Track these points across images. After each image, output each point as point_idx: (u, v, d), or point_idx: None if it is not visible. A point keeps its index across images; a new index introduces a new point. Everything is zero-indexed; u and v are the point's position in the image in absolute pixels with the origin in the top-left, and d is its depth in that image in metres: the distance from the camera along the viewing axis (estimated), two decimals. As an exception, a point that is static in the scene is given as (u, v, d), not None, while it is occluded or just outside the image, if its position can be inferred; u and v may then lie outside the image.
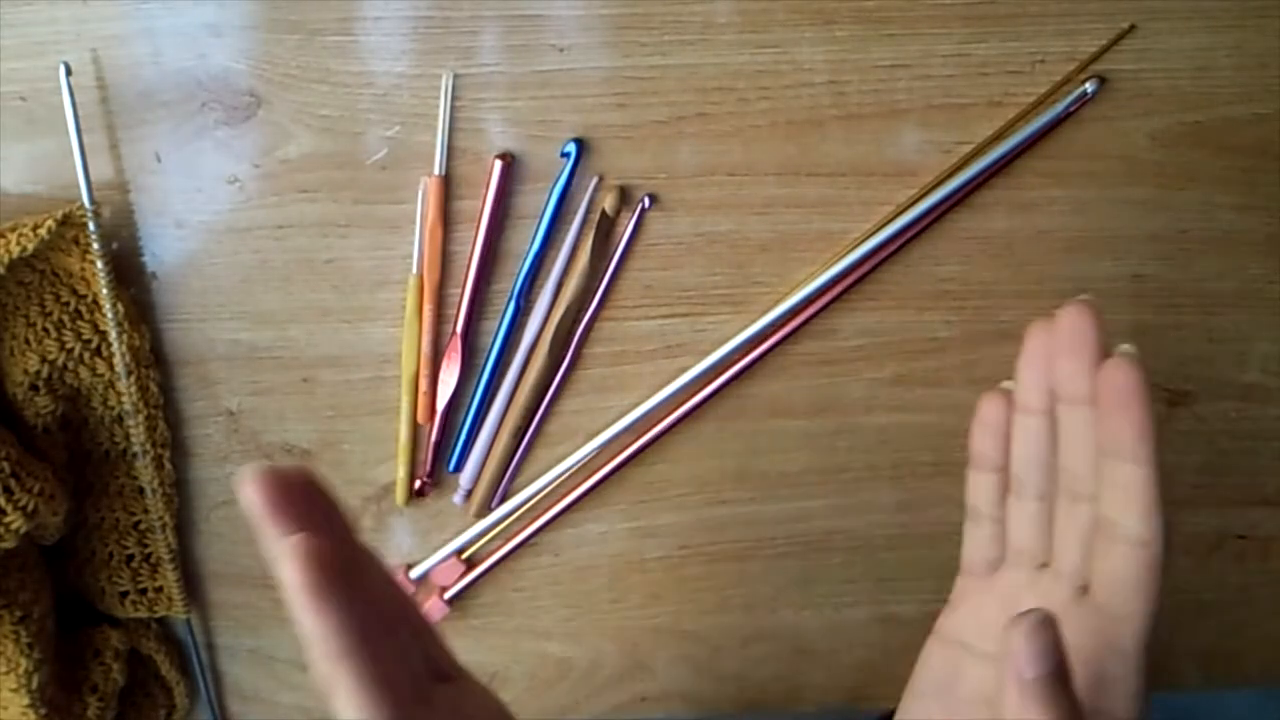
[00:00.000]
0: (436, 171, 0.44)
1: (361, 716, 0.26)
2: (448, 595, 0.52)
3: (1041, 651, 0.28)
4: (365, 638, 0.26)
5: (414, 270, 0.45)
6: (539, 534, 0.51)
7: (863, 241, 0.46)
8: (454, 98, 0.43)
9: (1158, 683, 0.62)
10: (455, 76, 0.43)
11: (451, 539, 0.51)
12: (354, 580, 0.27)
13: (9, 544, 0.42)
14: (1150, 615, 0.32)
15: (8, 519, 0.41)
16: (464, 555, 0.51)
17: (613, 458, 0.50)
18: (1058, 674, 0.28)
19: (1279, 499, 0.53)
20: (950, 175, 0.45)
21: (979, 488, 0.37)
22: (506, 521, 0.50)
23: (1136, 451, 0.31)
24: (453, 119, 0.43)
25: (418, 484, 0.50)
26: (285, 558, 0.26)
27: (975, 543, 0.38)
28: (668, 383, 0.48)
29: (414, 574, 0.51)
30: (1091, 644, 0.32)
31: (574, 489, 0.50)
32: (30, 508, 0.42)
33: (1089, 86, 0.43)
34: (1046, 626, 0.28)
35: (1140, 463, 0.31)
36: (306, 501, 0.27)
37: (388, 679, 0.27)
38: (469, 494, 0.50)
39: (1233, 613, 0.56)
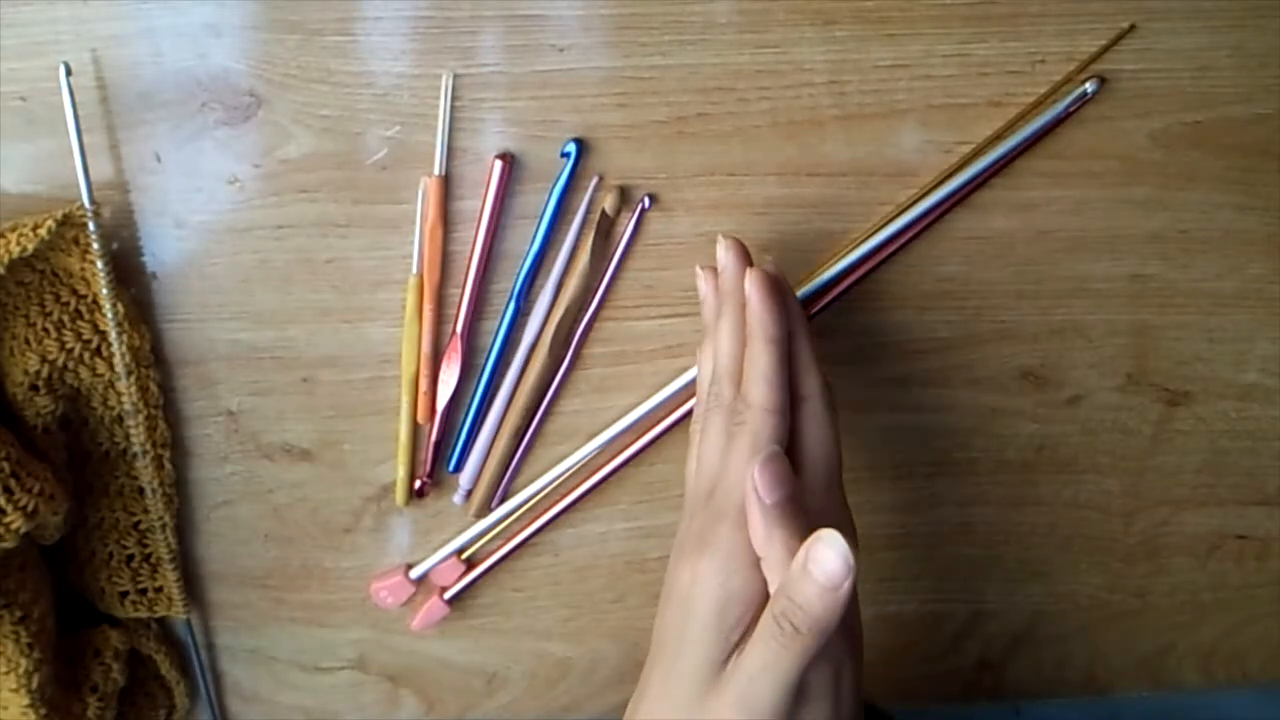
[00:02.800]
0: (436, 171, 0.44)
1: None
2: (448, 595, 0.52)
3: (775, 481, 0.35)
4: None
5: (414, 270, 0.45)
6: (539, 534, 0.51)
7: (863, 241, 0.46)
8: (454, 98, 0.43)
9: (1158, 683, 0.62)
10: (455, 76, 0.43)
11: (451, 539, 0.51)
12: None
13: (9, 544, 0.42)
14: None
15: (8, 519, 0.41)
16: (464, 555, 0.51)
17: (613, 458, 0.50)
18: (792, 499, 0.35)
19: (1279, 499, 0.53)
20: (950, 175, 0.45)
21: None
22: (506, 521, 0.50)
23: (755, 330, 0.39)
24: (453, 119, 0.43)
25: (418, 484, 0.50)
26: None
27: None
28: (668, 383, 0.48)
29: (414, 574, 0.51)
30: None
31: (574, 489, 0.50)
32: (30, 508, 0.42)
33: (1089, 86, 0.43)
34: (776, 459, 0.36)
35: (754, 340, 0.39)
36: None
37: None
38: (469, 494, 0.50)
39: (1232, 613, 0.56)
